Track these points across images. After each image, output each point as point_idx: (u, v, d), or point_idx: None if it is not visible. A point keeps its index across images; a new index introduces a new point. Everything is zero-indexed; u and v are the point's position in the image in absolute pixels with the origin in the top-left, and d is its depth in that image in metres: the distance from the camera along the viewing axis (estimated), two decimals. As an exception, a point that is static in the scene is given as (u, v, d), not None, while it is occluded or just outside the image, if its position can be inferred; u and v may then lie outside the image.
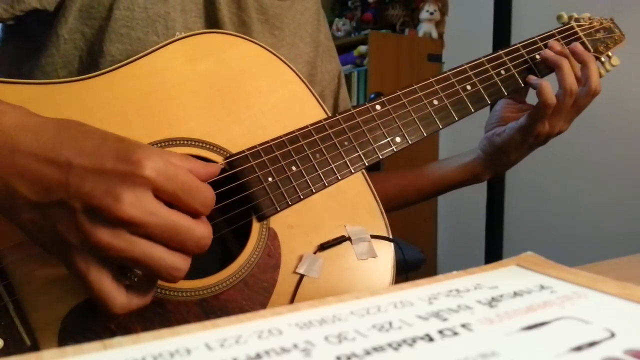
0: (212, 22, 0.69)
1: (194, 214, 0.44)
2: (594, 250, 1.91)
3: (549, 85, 0.72)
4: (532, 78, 0.74)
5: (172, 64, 0.58)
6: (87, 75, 0.56)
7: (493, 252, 2.34)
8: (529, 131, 0.75)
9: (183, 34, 0.61)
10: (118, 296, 0.44)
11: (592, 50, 0.79)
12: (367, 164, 0.62)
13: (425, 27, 2.69)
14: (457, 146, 1.42)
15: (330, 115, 0.63)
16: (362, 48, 2.64)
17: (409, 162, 1.51)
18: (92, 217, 0.41)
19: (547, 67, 0.75)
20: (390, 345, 0.23)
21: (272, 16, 0.75)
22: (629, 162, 1.90)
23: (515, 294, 0.28)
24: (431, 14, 2.67)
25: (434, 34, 2.69)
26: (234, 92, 0.60)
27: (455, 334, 0.24)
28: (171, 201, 0.43)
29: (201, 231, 0.44)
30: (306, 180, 0.58)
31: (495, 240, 2.35)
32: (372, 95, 2.32)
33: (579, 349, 0.22)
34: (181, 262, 0.44)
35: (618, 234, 1.89)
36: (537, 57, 0.75)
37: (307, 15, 0.82)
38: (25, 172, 0.42)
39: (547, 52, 0.75)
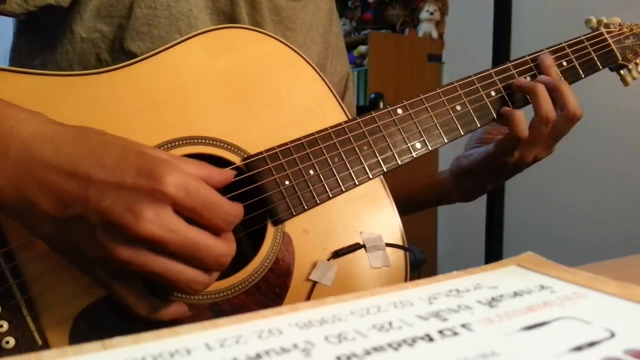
0: (232, 21, 0.68)
1: (216, 230, 0.44)
2: (594, 250, 1.91)
3: (522, 116, 0.66)
4: (506, 109, 0.67)
5: (192, 59, 0.57)
6: (104, 69, 0.54)
7: (493, 252, 2.34)
8: (494, 160, 0.70)
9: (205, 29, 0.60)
10: (141, 302, 0.45)
11: (620, 59, 0.76)
12: (385, 170, 0.60)
13: (425, 27, 2.69)
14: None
15: (350, 117, 0.62)
16: (362, 48, 2.64)
17: (409, 169, 1.50)
18: (110, 233, 0.41)
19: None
20: (390, 345, 0.23)
21: (285, 17, 0.74)
22: (629, 162, 1.90)
23: (515, 294, 0.28)
24: (431, 14, 2.67)
25: (434, 34, 2.69)
26: (254, 90, 0.59)
27: (455, 334, 0.24)
28: (191, 217, 0.43)
29: (220, 249, 0.44)
30: (323, 184, 0.57)
31: (495, 240, 2.35)
32: (373, 96, 2.32)
33: (579, 349, 0.22)
34: (200, 276, 0.44)
35: (618, 234, 1.89)
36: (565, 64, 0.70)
37: (319, 15, 0.81)
38: (43, 184, 0.41)
39: (521, 80, 0.68)
